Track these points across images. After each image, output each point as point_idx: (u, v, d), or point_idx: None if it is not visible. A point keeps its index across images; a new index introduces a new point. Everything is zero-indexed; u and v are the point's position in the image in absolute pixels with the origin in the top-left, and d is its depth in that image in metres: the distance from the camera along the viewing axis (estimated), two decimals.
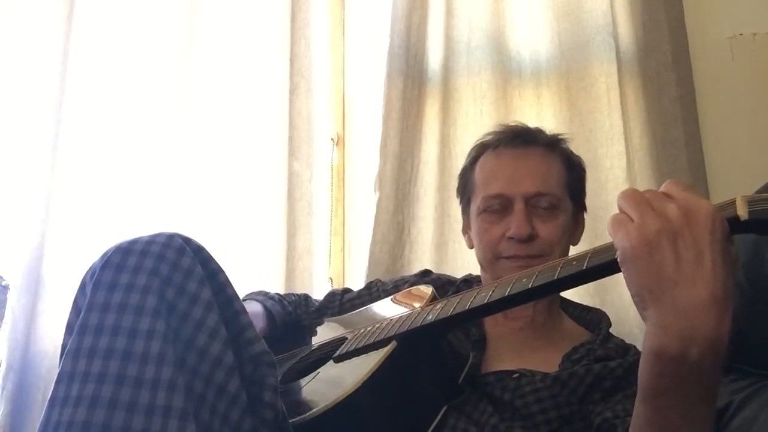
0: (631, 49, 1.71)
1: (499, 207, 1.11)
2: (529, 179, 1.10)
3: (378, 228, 1.60)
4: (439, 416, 0.90)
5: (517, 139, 1.16)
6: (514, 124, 1.23)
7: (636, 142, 1.66)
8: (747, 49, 1.71)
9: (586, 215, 1.21)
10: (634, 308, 0.62)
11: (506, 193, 1.10)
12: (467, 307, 0.81)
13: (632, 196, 0.61)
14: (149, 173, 1.59)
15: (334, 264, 1.74)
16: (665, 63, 1.68)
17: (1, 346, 1.43)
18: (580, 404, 0.95)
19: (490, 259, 1.11)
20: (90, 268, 0.69)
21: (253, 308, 1.17)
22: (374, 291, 1.28)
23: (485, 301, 0.79)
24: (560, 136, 1.20)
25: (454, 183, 1.63)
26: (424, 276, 1.29)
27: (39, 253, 1.49)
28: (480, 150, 1.19)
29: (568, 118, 1.66)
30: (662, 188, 0.62)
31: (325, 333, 1.14)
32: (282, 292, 1.40)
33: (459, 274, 1.38)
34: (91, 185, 1.56)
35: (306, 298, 1.36)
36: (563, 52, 1.70)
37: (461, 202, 1.23)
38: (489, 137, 1.19)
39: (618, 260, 0.61)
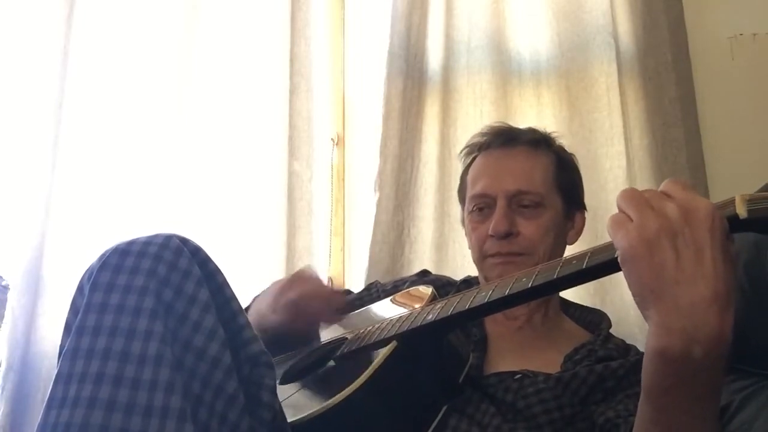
0: (631, 49, 1.71)
1: (485, 206, 1.13)
2: (510, 177, 1.12)
3: (378, 228, 1.60)
4: (439, 417, 0.90)
5: (500, 138, 1.18)
6: (498, 124, 1.24)
7: (636, 142, 1.66)
8: (747, 49, 1.71)
9: (586, 214, 1.21)
10: (635, 308, 0.62)
11: (489, 192, 1.12)
12: (467, 307, 0.81)
13: (631, 195, 0.61)
14: (149, 173, 1.59)
15: (334, 264, 1.73)
16: (665, 63, 1.68)
17: (1, 346, 1.43)
18: (583, 405, 0.95)
19: (479, 258, 1.14)
20: (87, 269, 0.69)
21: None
22: (374, 292, 1.28)
23: (485, 301, 0.79)
24: (550, 135, 1.21)
25: (454, 183, 1.63)
26: (424, 276, 1.29)
27: (39, 253, 1.49)
28: (472, 154, 1.22)
29: (568, 118, 1.66)
30: (661, 187, 0.62)
31: (324, 333, 1.13)
32: None
33: (459, 274, 1.38)
34: (91, 185, 1.55)
35: None
36: (563, 52, 1.70)
37: (461, 205, 1.24)
38: (476, 140, 1.22)
39: (618, 260, 0.61)
